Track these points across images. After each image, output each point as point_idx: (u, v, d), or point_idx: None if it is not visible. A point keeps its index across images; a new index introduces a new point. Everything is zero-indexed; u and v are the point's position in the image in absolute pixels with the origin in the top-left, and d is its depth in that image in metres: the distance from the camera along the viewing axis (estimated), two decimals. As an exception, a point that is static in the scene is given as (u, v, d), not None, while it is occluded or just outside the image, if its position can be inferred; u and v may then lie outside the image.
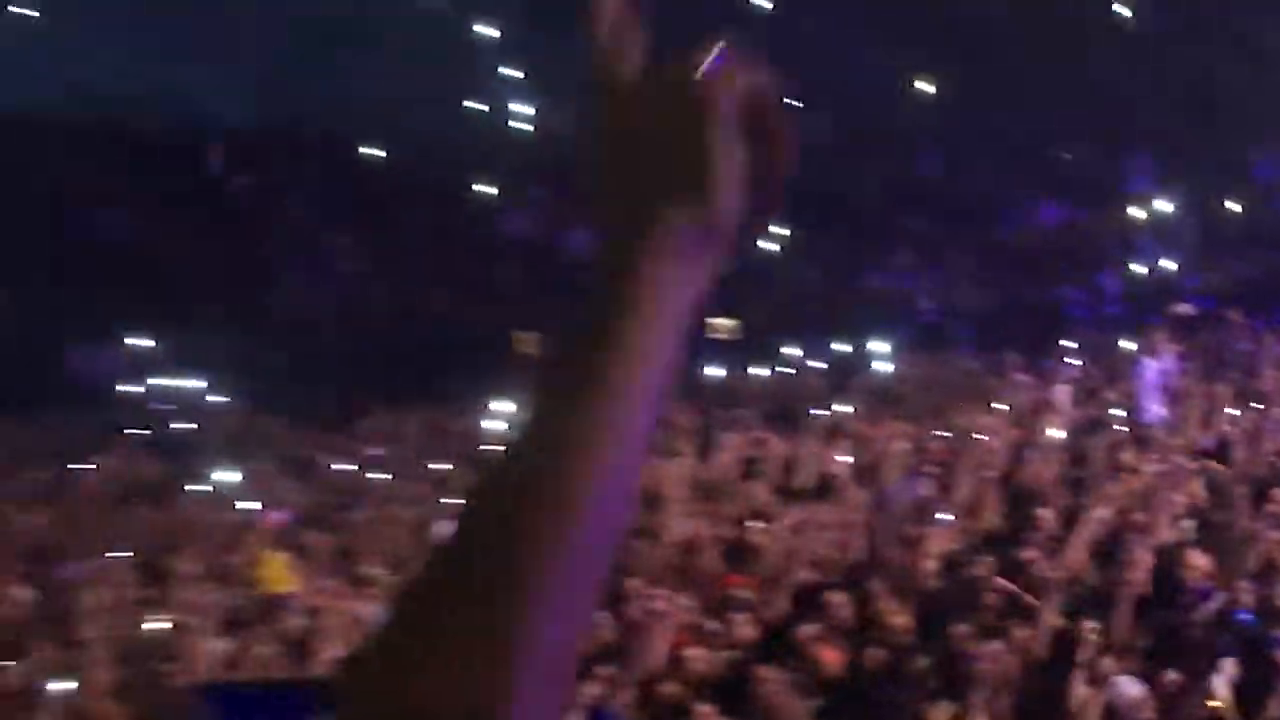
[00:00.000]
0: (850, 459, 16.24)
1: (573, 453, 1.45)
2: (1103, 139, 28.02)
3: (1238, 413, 17.41)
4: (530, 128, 29.13)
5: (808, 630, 11.26)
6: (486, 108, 30.37)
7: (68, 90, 28.23)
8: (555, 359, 1.55)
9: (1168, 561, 12.16)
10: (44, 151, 31.26)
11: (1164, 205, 25.58)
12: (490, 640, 1.41)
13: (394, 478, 18.33)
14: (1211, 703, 9.78)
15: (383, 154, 31.10)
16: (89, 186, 31.74)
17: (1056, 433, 16.45)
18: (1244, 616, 10.65)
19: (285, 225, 31.12)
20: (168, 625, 12.56)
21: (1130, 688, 9.67)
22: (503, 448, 1.52)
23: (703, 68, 1.59)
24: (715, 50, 1.59)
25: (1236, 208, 25.89)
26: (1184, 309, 21.42)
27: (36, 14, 31.42)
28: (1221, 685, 9.75)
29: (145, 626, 12.70)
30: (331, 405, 24.03)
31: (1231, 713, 10.02)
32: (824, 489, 15.10)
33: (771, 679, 9.81)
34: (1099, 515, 13.47)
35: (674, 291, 1.52)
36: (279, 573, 14.30)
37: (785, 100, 1.63)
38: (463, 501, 1.52)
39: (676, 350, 1.53)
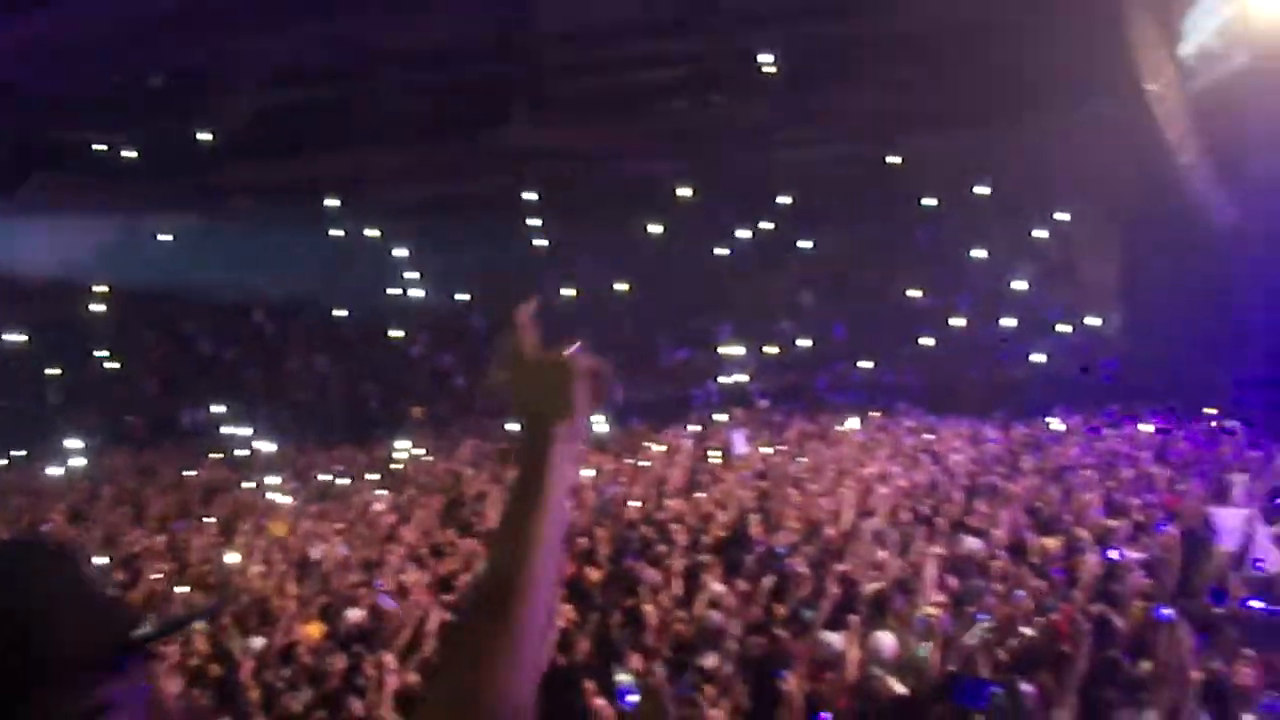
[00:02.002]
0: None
1: (536, 535, 1.55)
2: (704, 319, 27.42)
3: (772, 450, 17.36)
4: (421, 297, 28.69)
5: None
6: (401, 291, 29.11)
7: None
8: (516, 491, 1.62)
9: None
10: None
11: (738, 349, 25.80)
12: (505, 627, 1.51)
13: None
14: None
15: (347, 313, 29.15)
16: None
17: (683, 461, 16.36)
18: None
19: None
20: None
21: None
22: (500, 535, 1.59)
23: (568, 353, 1.74)
24: (574, 347, 1.75)
25: (775, 350, 26.12)
26: (759, 404, 21.89)
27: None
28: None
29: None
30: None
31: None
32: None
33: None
34: (706, 504, 13.27)
35: (567, 457, 1.64)
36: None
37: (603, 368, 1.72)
38: (485, 568, 1.61)
39: (570, 478, 1.66)
